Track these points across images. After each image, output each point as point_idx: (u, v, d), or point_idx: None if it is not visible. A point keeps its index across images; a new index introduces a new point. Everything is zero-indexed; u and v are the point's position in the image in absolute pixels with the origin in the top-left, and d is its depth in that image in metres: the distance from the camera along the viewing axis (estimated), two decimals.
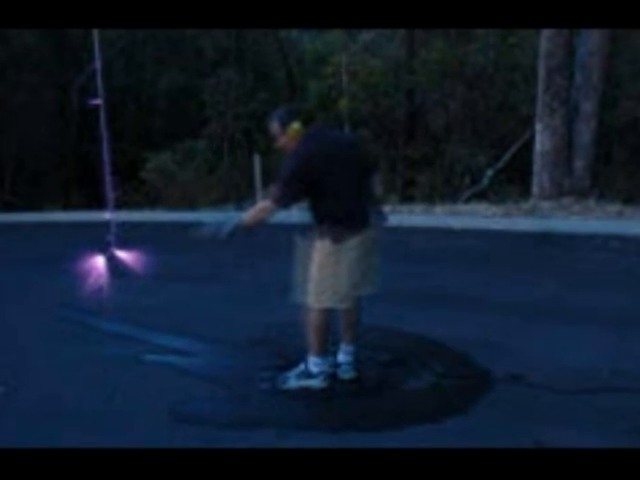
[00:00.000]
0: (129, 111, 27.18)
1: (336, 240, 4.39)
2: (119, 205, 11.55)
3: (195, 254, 9.92)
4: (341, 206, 4.39)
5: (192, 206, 20.27)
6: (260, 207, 4.35)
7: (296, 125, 4.41)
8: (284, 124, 4.45)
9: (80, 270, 7.15)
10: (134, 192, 22.74)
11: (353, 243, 4.43)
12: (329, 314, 4.59)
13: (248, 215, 4.38)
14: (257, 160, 17.78)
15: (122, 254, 6.51)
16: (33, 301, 7.80)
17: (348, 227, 4.42)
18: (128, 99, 27.15)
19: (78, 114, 24.98)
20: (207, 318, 6.75)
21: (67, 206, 24.39)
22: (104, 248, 6.85)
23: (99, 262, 6.48)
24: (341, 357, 4.88)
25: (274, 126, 4.50)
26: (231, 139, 24.30)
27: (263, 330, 6.07)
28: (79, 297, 7.20)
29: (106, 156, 5.80)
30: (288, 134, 4.45)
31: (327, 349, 4.70)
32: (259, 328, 6.11)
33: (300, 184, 4.28)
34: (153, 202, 22.01)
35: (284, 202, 4.28)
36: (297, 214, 4.66)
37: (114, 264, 7.21)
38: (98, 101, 5.82)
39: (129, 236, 8.26)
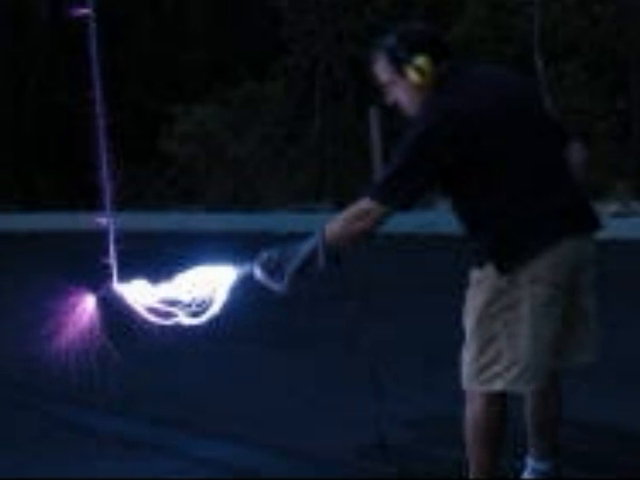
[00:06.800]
0: (142, 28, 23.34)
1: (507, 267, 3.71)
2: (123, 202, 9.70)
3: (257, 292, 8.92)
4: (513, 202, 3.74)
5: (253, 204, 18.28)
6: (355, 211, 3.76)
7: (422, 61, 3.77)
8: (399, 60, 3.82)
9: (51, 323, 5.33)
10: (152, 179, 20.46)
11: (540, 271, 3.70)
12: (504, 405, 3.92)
13: (335, 227, 3.78)
14: (375, 117, 15.63)
15: (131, 293, 4.91)
16: None
17: (529, 239, 3.72)
18: (141, 7, 23.00)
19: (48, 34, 21.85)
20: (285, 411, 6.14)
21: (28, 202, 22.13)
22: (98, 281, 5.02)
23: (87, 307, 4.86)
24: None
25: (381, 65, 3.91)
26: (326, 80, 21.25)
27: (378, 431, 4.94)
28: (51, 373, 5.70)
29: (100, 114, 4.64)
30: (408, 79, 3.81)
31: (498, 466, 3.99)
32: (370, 427, 4.95)
33: (430, 166, 3.72)
34: (186, 196, 19.86)
35: (400, 200, 3.72)
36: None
37: (116, 311, 5.45)
38: (86, 10, 4.63)
39: (144, 258, 7.36)
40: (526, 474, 4.24)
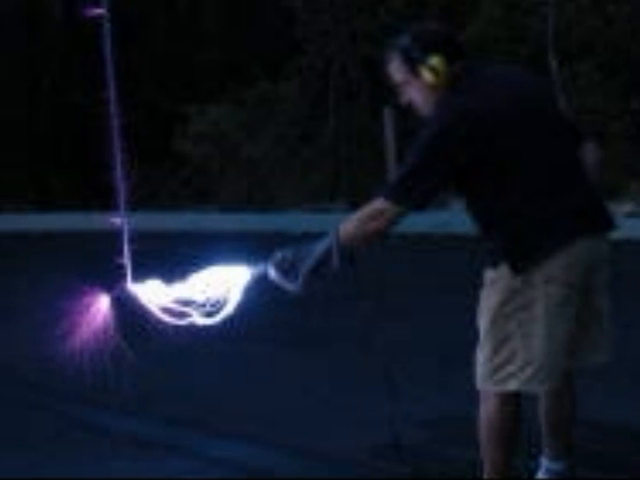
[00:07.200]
0: (157, 28, 23.36)
1: (522, 267, 3.67)
2: (137, 202, 9.74)
3: (271, 292, 8.88)
4: (527, 202, 3.71)
5: (267, 204, 18.25)
6: (370, 211, 3.73)
7: (436, 61, 3.74)
8: (413, 60, 3.79)
9: (65, 323, 5.38)
10: (167, 179, 20.47)
11: (555, 271, 3.66)
12: (518, 405, 3.86)
13: (349, 227, 3.75)
14: (389, 117, 15.61)
15: (145, 292, 4.87)
16: None
17: (543, 239, 3.68)
18: (155, 7, 23.08)
19: (62, 34, 21.61)
20: (299, 411, 6.08)
21: (42, 202, 22.10)
22: (112, 281, 5.02)
23: (102, 307, 4.83)
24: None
25: (395, 65, 3.87)
26: (340, 80, 21.17)
27: (392, 431, 4.93)
28: (66, 373, 5.65)
29: (114, 114, 4.61)
30: (422, 79, 3.78)
31: (512, 466, 3.96)
32: (384, 427, 4.95)
33: (445, 166, 3.68)
34: (200, 196, 19.84)
35: (414, 200, 3.68)
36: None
37: (130, 311, 5.46)
38: (100, 10, 4.57)
39: (158, 258, 7.35)
40: (540, 474, 4.20)
